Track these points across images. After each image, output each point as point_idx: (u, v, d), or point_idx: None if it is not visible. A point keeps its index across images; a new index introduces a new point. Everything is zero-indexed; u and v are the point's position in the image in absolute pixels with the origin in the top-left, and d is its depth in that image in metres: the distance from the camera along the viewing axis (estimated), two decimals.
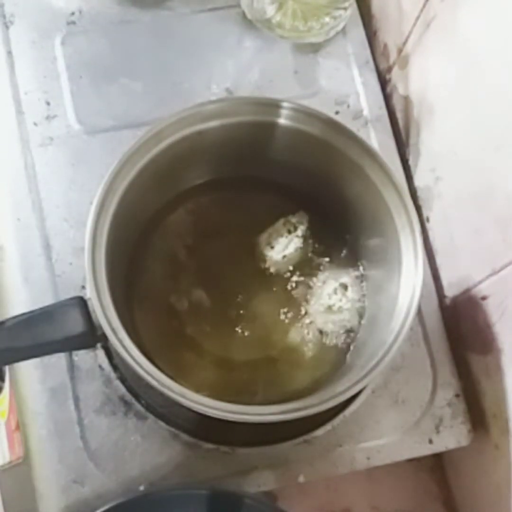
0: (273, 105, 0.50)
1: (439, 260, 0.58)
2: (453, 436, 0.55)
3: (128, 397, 0.53)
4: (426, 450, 0.55)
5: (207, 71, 0.61)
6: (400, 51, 0.60)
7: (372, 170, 0.49)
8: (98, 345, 0.51)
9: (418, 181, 0.60)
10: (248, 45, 0.62)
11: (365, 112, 0.61)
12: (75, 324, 0.44)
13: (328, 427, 0.54)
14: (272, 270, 0.55)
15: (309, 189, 0.55)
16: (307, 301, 0.55)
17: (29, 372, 0.53)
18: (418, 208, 0.59)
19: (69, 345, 0.46)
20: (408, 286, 0.47)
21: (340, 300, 0.54)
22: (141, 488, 0.51)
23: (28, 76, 0.59)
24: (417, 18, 0.55)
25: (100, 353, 0.54)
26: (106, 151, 0.57)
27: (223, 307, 0.54)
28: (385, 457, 0.54)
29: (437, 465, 0.65)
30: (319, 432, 0.54)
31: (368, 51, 0.63)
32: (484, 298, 0.52)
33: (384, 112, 0.62)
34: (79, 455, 0.52)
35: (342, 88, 0.62)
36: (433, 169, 0.57)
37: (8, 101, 0.58)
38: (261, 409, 0.45)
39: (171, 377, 0.44)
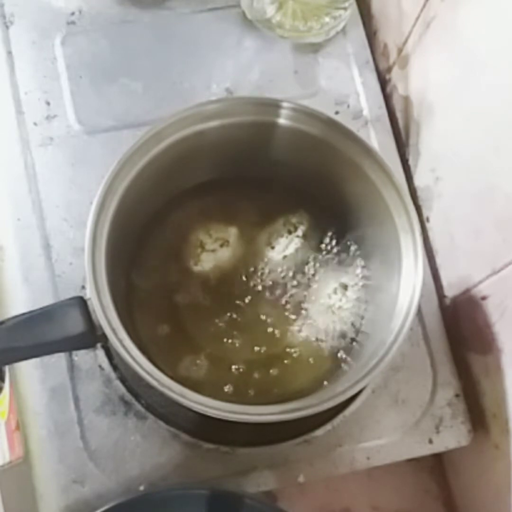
0: (273, 105, 0.50)
1: (439, 260, 0.58)
2: (453, 436, 0.55)
3: (128, 397, 0.53)
4: (426, 450, 0.55)
5: (207, 71, 0.61)
6: (400, 51, 0.60)
7: (372, 170, 0.49)
8: (98, 345, 0.51)
9: (418, 181, 0.60)
10: (248, 45, 0.62)
11: (365, 112, 0.61)
12: (75, 324, 0.44)
13: (328, 427, 0.54)
14: (272, 270, 0.55)
15: (309, 189, 0.55)
16: (307, 301, 0.55)
17: (29, 372, 0.53)
18: (418, 208, 0.59)
19: (69, 345, 0.46)
20: (408, 286, 0.47)
21: (340, 300, 0.54)
22: (141, 488, 0.51)
23: (28, 76, 0.59)
24: (417, 18, 0.55)
25: (100, 353, 0.54)
26: (106, 151, 0.57)
27: (223, 307, 0.54)
28: (385, 457, 0.54)
29: (437, 465, 0.65)
30: (319, 432, 0.54)
31: (368, 51, 0.63)
32: (484, 298, 0.52)
33: (384, 112, 0.62)
34: (79, 455, 0.52)
35: (342, 88, 0.62)
36: (433, 169, 0.57)
37: (8, 101, 0.58)
38: (261, 409, 0.45)
39: (171, 377, 0.44)
